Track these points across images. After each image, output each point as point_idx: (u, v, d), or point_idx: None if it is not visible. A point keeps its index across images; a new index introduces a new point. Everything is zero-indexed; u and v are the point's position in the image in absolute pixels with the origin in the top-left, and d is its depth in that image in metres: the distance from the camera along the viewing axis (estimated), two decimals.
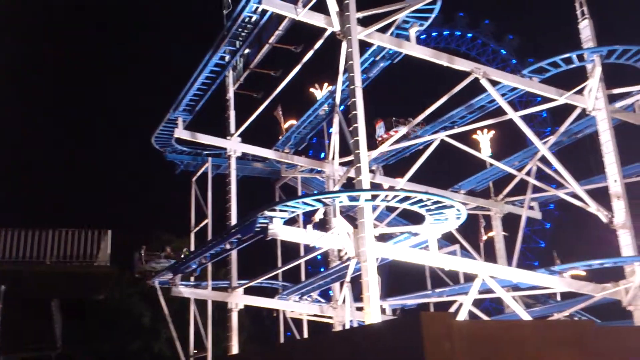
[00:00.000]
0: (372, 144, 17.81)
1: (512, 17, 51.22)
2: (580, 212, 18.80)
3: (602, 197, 18.46)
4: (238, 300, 19.42)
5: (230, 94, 21.23)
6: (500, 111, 19.68)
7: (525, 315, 16.40)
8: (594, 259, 17.25)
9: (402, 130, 20.88)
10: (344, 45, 15.60)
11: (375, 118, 21.50)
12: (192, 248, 21.05)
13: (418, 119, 20.61)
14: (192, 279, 20.27)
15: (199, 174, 22.31)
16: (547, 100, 19.78)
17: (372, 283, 13.27)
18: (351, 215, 16.66)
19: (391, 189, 19.87)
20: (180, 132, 21.16)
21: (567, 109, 19.50)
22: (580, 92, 18.90)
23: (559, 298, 21.72)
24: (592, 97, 18.62)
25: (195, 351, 20.42)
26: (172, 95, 20.81)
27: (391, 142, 20.93)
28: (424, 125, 22.12)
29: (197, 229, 21.48)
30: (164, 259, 20.78)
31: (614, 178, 17.84)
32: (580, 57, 18.78)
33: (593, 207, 17.99)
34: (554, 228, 45.74)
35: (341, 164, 20.24)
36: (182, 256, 20.28)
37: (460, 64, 17.89)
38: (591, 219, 18.46)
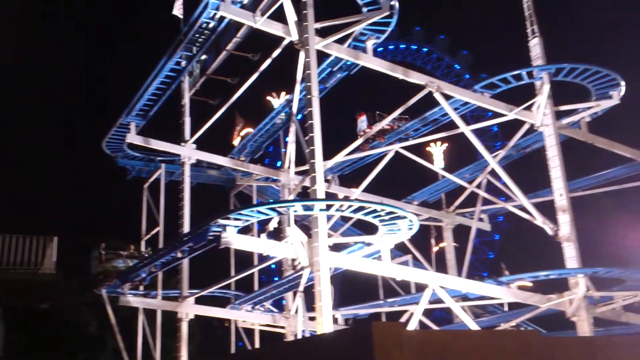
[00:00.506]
0: (329, 153, 17.88)
1: (467, 33, 52.48)
2: (528, 224, 19.31)
3: (548, 210, 19.04)
4: (189, 310, 19.15)
5: (186, 100, 21.03)
6: (453, 124, 20.10)
7: (473, 325, 16.73)
8: (540, 270, 17.77)
9: (384, 122, 20.65)
10: (301, 54, 15.70)
11: (357, 112, 21.46)
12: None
13: (373, 130, 20.82)
14: (141, 287, 19.86)
15: (151, 180, 21.96)
16: (497, 115, 20.30)
17: (325, 293, 13.31)
18: (306, 225, 16.67)
19: (346, 199, 19.98)
20: (133, 138, 20.81)
21: (517, 124, 20.06)
22: (529, 108, 19.48)
23: (506, 308, 22.25)
24: (540, 113, 19.21)
25: None
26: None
27: (371, 134, 20.71)
28: (407, 120, 21.95)
29: (149, 236, 21.11)
30: (127, 259, 19.33)
31: (559, 192, 18.42)
32: (530, 74, 19.38)
33: (539, 220, 18.51)
34: (503, 240, 46.85)
35: (297, 173, 20.28)
36: (147, 255, 19.34)
37: (415, 78, 18.22)
38: (538, 231, 19.00)
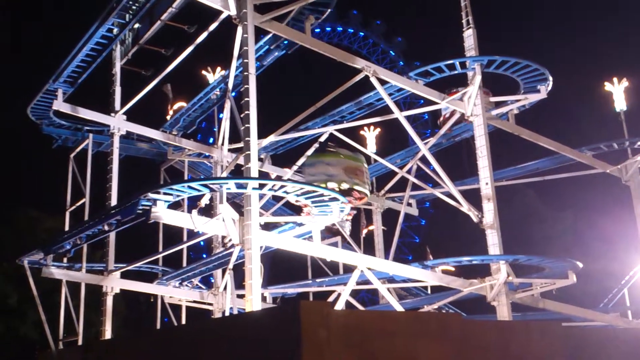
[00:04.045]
0: (263, 132, 17.71)
1: (403, 20, 53.19)
2: (453, 211, 19.92)
3: (474, 198, 19.70)
4: (114, 284, 18.69)
5: (117, 69, 20.25)
6: (386, 110, 20.38)
7: (398, 307, 17.20)
8: (463, 255, 18.42)
9: None
10: (239, 30, 15.44)
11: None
12: (67, 228, 19.95)
13: (308, 111, 20.80)
14: (64, 260, 19.24)
15: (78, 150, 21.18)
16: (429, 103, 20.73)
17: (255, 271, 13.32)
18: (237, 203, 16.57)
19: (278, 178, 19.96)
20: (60, 105, 19.91)
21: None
22: (460, 98, 19.99)
23: (429, 291, 22.98)
24: (470, 103, 19.74)
25: (65, 335, 19.47)
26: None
27: None
28: None
29: (73, 208, 20.40)
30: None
31: (485, 181, 19.06)
32: (463, 65, 19.84)
33: (465, 207, 19.13)
34: (429, 225, 48.26)
35: (230, 150, 20.05)
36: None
37: (353, 61, 18.31)
38: (463, 218, 19.63)
